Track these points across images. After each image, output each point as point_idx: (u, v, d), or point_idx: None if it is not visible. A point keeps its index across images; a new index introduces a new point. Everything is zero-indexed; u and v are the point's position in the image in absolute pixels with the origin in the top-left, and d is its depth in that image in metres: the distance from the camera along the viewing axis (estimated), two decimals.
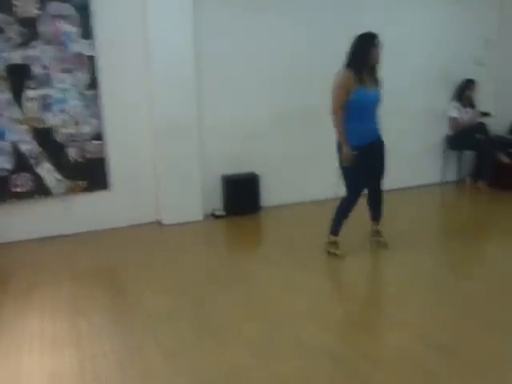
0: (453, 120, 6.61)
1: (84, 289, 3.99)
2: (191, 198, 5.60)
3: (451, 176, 6.98)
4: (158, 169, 5.46)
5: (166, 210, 5.52)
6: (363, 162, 4.24)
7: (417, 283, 3.96)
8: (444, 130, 6.79)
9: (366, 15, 5.88)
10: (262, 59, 5.74)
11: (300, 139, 6.04)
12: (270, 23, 5.70)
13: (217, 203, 5.81)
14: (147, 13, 5.12)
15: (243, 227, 5.50)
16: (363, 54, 4.13)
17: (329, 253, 4.51)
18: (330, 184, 5.95)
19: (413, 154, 6.72)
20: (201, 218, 5.65)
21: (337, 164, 4.34)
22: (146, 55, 5.22)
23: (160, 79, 5.25)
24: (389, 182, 6.32)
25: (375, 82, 4.27)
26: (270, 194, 5.96)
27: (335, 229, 4.51)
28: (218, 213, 5.75)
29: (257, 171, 5.85)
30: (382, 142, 4.43)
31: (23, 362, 3.00)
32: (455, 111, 6.57)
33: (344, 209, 4.44)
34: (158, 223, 5.55)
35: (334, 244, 4.52)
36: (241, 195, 5.76)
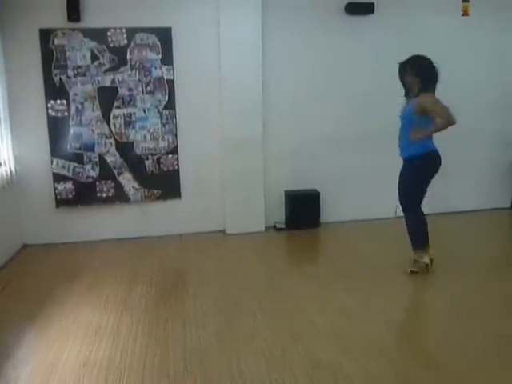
0: None
1: (137, 288, 4.03)
2: (255, 211, 5.53)
3: None
4: (226, 182, 5.46)
5: (231, 221, 5.50)
6: (430, 171, 4.06)
7: (457, 319, 3.42)
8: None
9: (431, 37, 5.54)
10: (324, 85, 5.57)
11: (360, 160, 5.74)
12: (333, 52, 5.55)
13: (279, 216, 5.67)
14: (221, 43, 5.18)
15: (301, 241, 5.32)
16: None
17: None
18: (389, 204, 5.70)
19: (481, 178, 6.19)
20: (263, 229, 5.56)
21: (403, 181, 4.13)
22: (218, 79, 5.26)
23: (229, 101, 5.27)
24: (455, 204, 6.01)
25: None
26: (330, 211, 5.72)
27: (419, 244, 4.19)
28: (279, 225, 5.63)
29: (318, 188, 5.66)
30: None
31: (65, 349, 3.07)
32: None
33: (418, 226, 4.15)
34: (223, 232, 5.55)
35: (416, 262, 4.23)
36: (302, 210, 5.57)
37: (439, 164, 4.07)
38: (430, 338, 3.24)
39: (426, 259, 4.17)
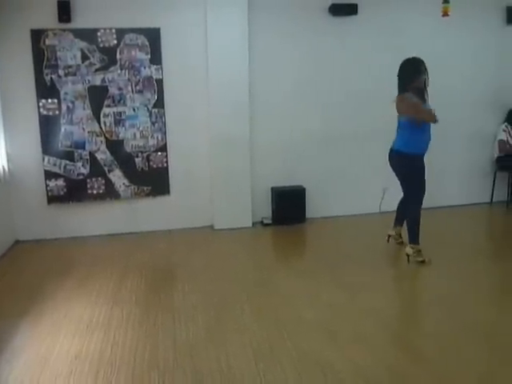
0: (501, 142, 6.11)
1: (128, 283, 4.07)
2: (242, 207, 5.59)
3: (502, 196, 6.42)
4: (213, 179, 5.50)
5: (219, 216, 5.55)
6: (423, 169, 4.21)
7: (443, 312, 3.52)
8: (491, 151, 6.30)
9: (413, 38, 5.63)
10: (310, 85, 5.63)
11: (345, 157, 5.84)
12: (318, 52, 5.61)
13: (266, 212, 5.74)
14: (208, 43, 5.22)
15: (287, 236, 5.39)
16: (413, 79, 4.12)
17: (417, 262, 4.28)
18: (373, 199, 5.82)
19: (462, 174, 6.29)
20: (250, 224, 5.62)
21: (405, 175, 4.28)
22: (206, 79, 5.30)
23: (217, 100, 5.31)
24: (438, 199, 6.10)
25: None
26: (316, 207, 5.79)
27: (417, 237, 4.30)
28: (265, 221, 5.69)
29: (304, 185, 5.72)
30: None
31: (57, 343, 3.11)
32: (503, 134, 6.07)
33: (418, 216, 4.27)
34: (211, 227, 5.60)
35: (420, 252, 4.30)
36: (288, 206, 5.64)
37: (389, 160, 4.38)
38: (418, 331, 3.26)
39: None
